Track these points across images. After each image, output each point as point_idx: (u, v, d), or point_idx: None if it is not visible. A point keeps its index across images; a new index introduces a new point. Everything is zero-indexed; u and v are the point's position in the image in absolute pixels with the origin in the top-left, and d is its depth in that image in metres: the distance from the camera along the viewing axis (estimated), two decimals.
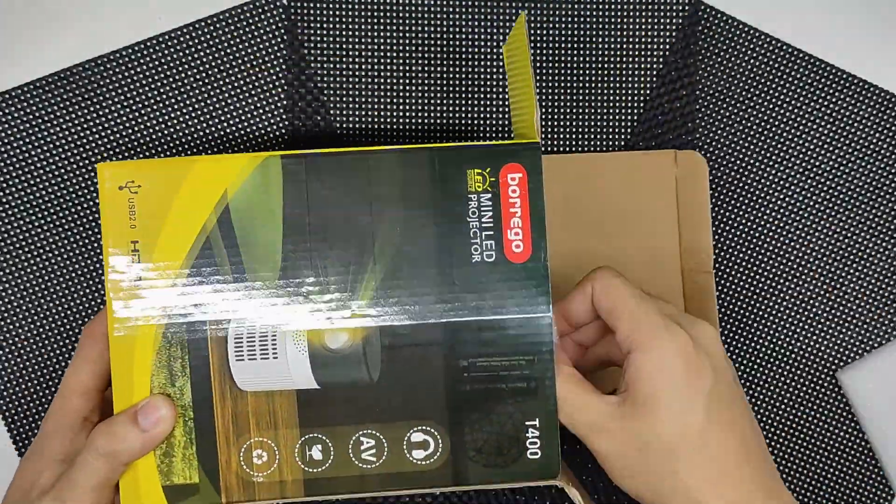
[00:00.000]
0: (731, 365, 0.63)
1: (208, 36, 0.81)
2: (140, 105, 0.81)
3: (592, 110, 0.84)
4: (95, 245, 0.81)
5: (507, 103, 0.83)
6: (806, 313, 0.86)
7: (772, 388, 0.86)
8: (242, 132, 0.82)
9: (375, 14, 0.82)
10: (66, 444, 0.64)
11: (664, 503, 0.60)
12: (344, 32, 0.82)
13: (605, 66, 0.84)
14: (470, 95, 0.83)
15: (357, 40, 0.82)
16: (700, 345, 0.60)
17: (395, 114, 0.83)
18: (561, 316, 0.66)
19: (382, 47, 0.82)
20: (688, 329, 0.61)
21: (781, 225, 0.85)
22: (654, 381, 0.59)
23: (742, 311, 0.84)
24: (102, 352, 0.65)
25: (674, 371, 0.59)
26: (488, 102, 0.83)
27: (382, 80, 0.83)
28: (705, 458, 0.59)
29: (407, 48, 0.82)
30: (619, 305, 0.61)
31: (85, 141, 0.81)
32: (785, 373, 0.86)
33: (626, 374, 0.61)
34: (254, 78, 0.81)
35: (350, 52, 0.82)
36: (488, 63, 0.83)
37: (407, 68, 0.83)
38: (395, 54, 0.82)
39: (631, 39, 0.84)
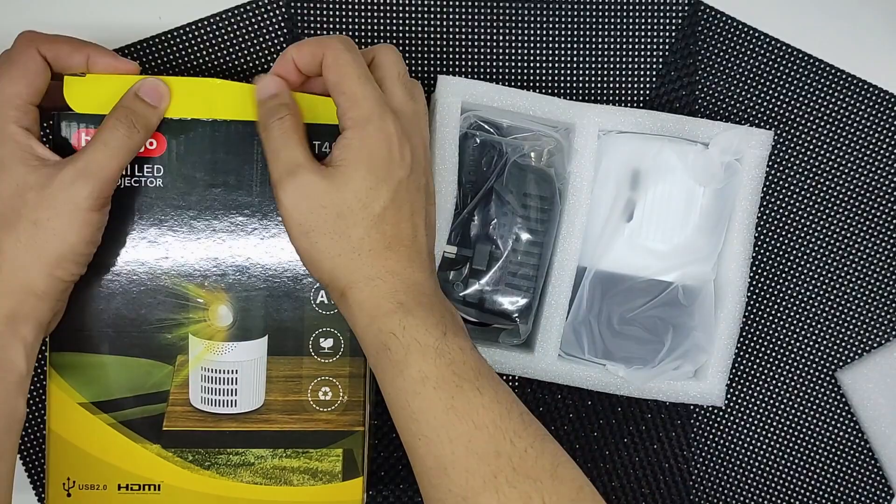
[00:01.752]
0: (425, 134, 0.68)
1: (208, 35, 0.81)
2: None
3: None
4: None
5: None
6: (806, 313, 0.86)
7: (772, 387, 0.86)
8: None
9: (375, 13, 0.82)
10: (22, 150, 0.64)
11: (325, 264, 0.63)
12: (341, 28, 0.82)
13: (605, 65, 0.84)
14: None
15: (356, 39, 0.82)
16: (406, 127, 0.65)
17: None
18: (291, 65, 0.67)
19: (381, 43, 0.82)
20: (398, 101, 0.66)
21: (781, 224, 0.85)
22: (358, 158, 0.62)
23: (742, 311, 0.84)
24: (40, 68, 0.66)
25: (377, 155, 0.62)
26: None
27: None
28: (379, 233, 0.63)
29: (406, 46, 0.83)
30: (344, 82, 0.63)
31: None
32: (785, 373, 0.86)
33: (336, 146, 0.63)
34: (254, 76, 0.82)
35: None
36: (487, 60, 0.83)
37: (407, 59, 0.83)
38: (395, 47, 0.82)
39: (631, 39, 0.84)
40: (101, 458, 0.69)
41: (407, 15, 0.82)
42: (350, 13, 0.82)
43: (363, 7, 0.82)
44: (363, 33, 0.82)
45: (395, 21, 0.82)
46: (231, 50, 0.81)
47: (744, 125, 0.78)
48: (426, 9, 0.82)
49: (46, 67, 0.66)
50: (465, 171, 0.77)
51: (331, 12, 0.82)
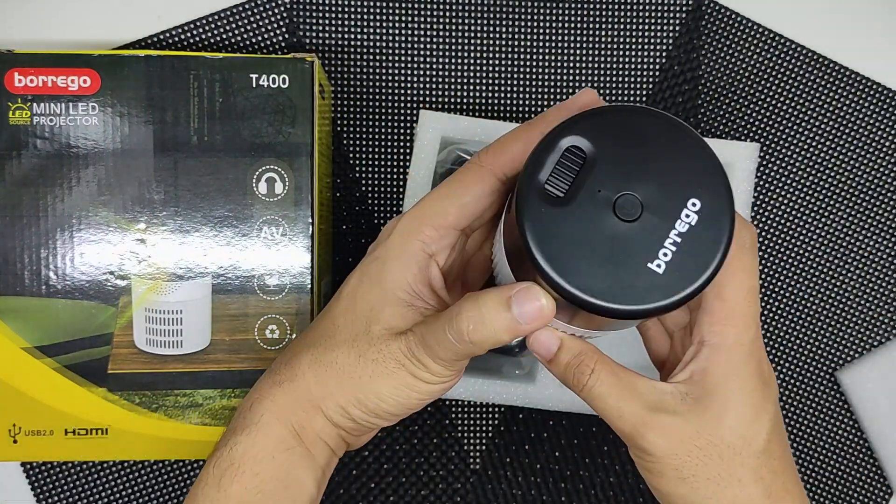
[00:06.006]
0: None
1: (208, 35, 0.82)
2: None
3: None
4: None
5: (503, 95, 0.83)
6: (805, 313, 0.85)
7: None
8: None
9: (375, 12, 0.82)
10: (410, 279, 0.54)
11: None
12: (343, 30, 0.82)
13: (608, 60, 0.84)
14: (468, 87, 0.83)
15: (356, 38, 0.82)
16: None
17: (393, 106, 0.83)
18: None
19: (381, 44, 0.82)
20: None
21: (781, 223, 0.84)
22: (731, 387, 0.53)
23: None
24: (487, 187, 0.54)
25: (751, 382, 0.54)
26: (487, 93, 0.83)
27: (382, 78, 0.83)
28: (770, 471, 0.54)
29: (405, 45, 0.82)
30: (730, 289, 0.54)
31: None
32: (785, 373, 0.85)
33: (695, 366, 0.55)
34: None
35: (350, 50, 0.82)
36: (485, 57, 0.83)
37: (407, 62, 0.83)
38: (393, 50, 0.83)
39: (634, 34, 0.84)
40: (46, 403, 0.69)
41: (405, 12, 0.82)
42: (350, 12, 0.82)
43: (363, 5, 0.82)
44: (363, 33, 0.82)
45: (393, 18, 0.82)
46: (231, 50, 0.82)
47: (731, 140, 0.78)
48: (424, 4, 0.82)
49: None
50: None
51: (332, 11, 0.82)
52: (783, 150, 0.84)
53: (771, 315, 0.84)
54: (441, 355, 0.52)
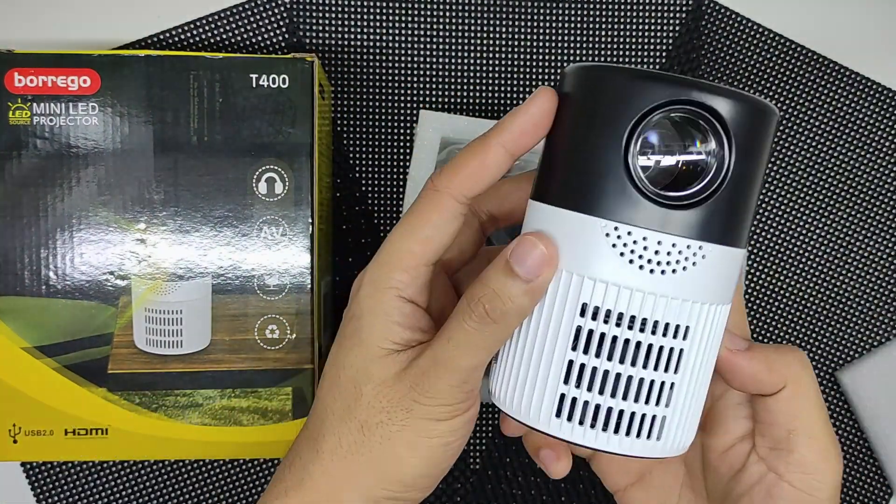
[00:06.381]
0: None
1: (207, 35, 0.82)
2: None
3: None
4: None
5: (503, 95, 0.83)
6: (805, 313, 0.85)
7: None
8: None
9: (375, 13, 0.82)
10: (393, 333, 0.50)
11: None
12: (343, 30, 0.82)
13: (608, 60, 0.84)
14: (468, 87, 0.83)
15: (356, 38, 0.82)
16: None
17: (393, 106, 0.83)
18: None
19: (381, 44, 0.82)
20: None
21: (781, 223, 0.84)
22: None
23: None
24: (446, 215, 0.49)
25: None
26: (487, 93, 0.83)
27: (382, 78, 0.83)
28: None
29: (405, 45, 0.82)
30: (815, 424, 0.51)
31: None
32: None
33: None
34: None
35: (350, 50, 0.82)
36: (485, 57, 0.83)
37: (407, 62, 0.83)
38: (393, 50, 0.83)
39: (634, 34, 0.83)
40: (46, 403, 0.69)
41: (404, 11, 0.82)
42: (350, 11, 0.82)
43: (363, 4, 0.82)
44: (363, 33, 0.82)
45: (391, 17, 0.82)
46: (231, 50, 0.82)
47: None
48: (424, 3, 0.82)
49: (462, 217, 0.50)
50: None
51: (332, 11, 0.81)
52: (783, 150, 0.84)
53: (771, 315, 0.84)
54: (461, 363, 0.47)
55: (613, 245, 0.44)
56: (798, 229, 0.84)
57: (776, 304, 0.84)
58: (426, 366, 0.48)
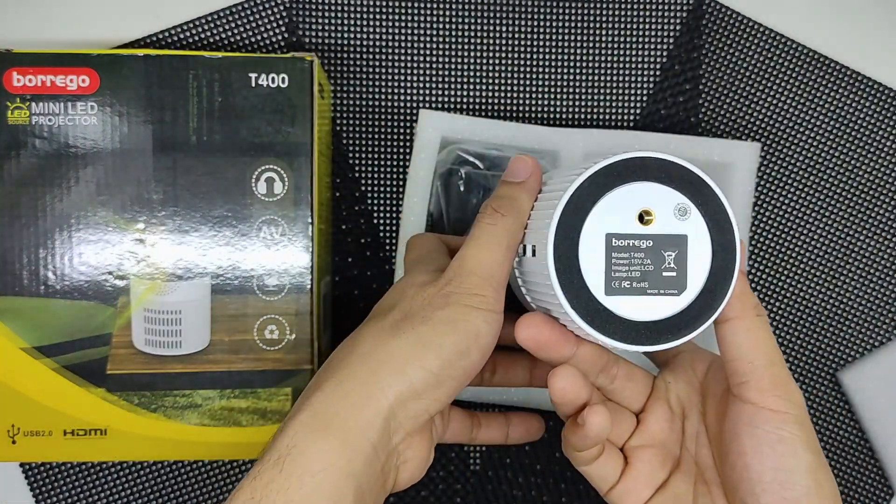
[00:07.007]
0: None
1: (206, 34, 0.82)
2: None
3: (596, 103, 0.84)
4: None
5: (503, 95, 0.83)
6: (806, 313, 0.85)
7: None
8: None
9: (375, 12, 0.82)
10: (435, 264, 0.59)
11: None
12: (342, 29, 0.82)
13: (609, 59, 0.84)
14: (468, 87, 0.83)
15: (356, 38, 0.82)
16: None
17: (393, 106, 0.83)
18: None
19: (381, 44, 0.82)
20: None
21: (782, 222, 0.84)
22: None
23: None
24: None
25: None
26: (487, 93, 0.83)
27: (382, 78, 0.83)
28: None
29: (405, 45, 0.82)
30: (762, 353, 0.55)
31: None
32: None
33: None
34: None
35: (350, 50, 0.82)
36: (485, 57, 0.83)
37: (407, 62, 0.82)
38: (393, 50, 0.83)
39: (635, 33, 0.83)
40: (45, 404, 0.68)
41: (405, 11, 0.82)
42: (351, 11, 0.82)
43: (363, 4, 0.81)
44: (363, 33, 0.82)
45: (391, 17, 0.82)
46: (230, 49, 0.81)
47: (732, 140, 0.78)
48: (424, 2, 0.82)
49: None
50: (452, 208, 0.76)
51: (332, 11, 0.81)
52: (784, 150, 0.83)
53: (772, 315, 0.84)
54: (486, 257, 0.55)
55: None
56: (798, 229, 0.84)
57: (776, 304, 0.84)
58: (457, 266, 0.55)
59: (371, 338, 0.55)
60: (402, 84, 0.82)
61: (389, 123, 0.82)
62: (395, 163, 0.82)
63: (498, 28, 0.82)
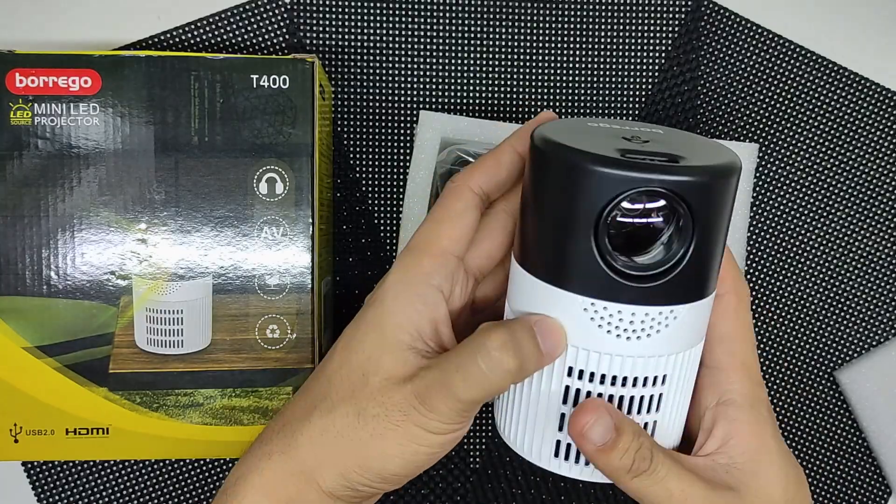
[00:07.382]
0: None
1: (209, 34, 0.82)
2: None
3: (594, 104, 0.84)
4: None
5: (503, 95, 0.83)
6: (804, 313, 0.85)
7: (771, 387, 0.85)
8: None
9: (375, 14, 0.82)
10: (415, 317, 0.51)
11: None
12: (343, 31, 0.82)
13: (607, 60, 0.84)
14: (468, 87, 0.83)
15: (356, 39, 0.82)
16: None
17: (393, 107, 0.83)
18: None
19: (381, 45, 0.83)
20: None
21: (781, 223, 0.84)
22: (763, 441, 0.53)
23: None
24: (464, 203, 0.53)
25: (776, 430, 0.54)
26: (487, 93, 0.83)
27: (382, 79, 0.83)
28: None
29: (405, 46, 0.83)
30: (749, 352, 0.54)
31: None
32: (784, 373, 0.85)
33: (716, 431, 0.53)
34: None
35: (350, 51, 0.82)
36: (485, 57, 0.83)
37: (407, 62, 0.83)
38: (394, 51, 0.83)
39: (633, 34, 0.83)
40: (47, 403, 0.69)
41: (405, 11, 0.82)
42: (351, 12, 0.82)
43: (363, 5, 0.82)
44: (363, 34, 0.82)
45: (392, 17, 0.82)
46: (231, 51, 0.81)
47: (730, 141, 0.78)
48: (424, 5, 0.82)
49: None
50: None
51: (333, 12, 0.82)
52: (782, 151, 0.84)
53: (770, 315, 0.84)
54: (463, 395, 0.48)
55: (591, 318, 0.48)
56: (798, 229, 0.84)
57: (774, 304, 0.84)
58: (432, 383, 0.49)
59: (321, 429, 0.52)
60: (403, 85, 0.82)
61: (390, 124, 0.82)
62: (395, 163, 0.82)
63: (497, 30, 0.82)
